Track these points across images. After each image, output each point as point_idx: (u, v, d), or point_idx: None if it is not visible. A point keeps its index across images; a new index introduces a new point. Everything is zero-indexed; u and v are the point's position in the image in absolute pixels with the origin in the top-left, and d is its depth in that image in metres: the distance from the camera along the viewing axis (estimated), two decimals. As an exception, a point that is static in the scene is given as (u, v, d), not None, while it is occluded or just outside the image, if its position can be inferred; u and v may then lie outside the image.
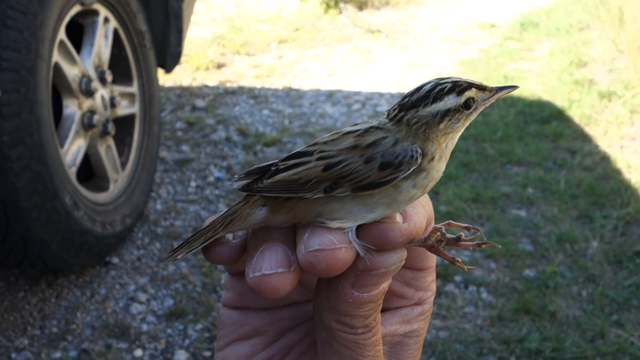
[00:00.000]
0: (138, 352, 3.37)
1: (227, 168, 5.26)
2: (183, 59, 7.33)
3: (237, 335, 0.94)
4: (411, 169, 0.79)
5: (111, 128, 3.96)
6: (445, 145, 0.84)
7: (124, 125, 4.29)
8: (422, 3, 10.57)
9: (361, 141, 0.81)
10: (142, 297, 3.77)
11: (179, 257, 0.87)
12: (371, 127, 0.83)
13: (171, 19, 4.64)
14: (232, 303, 0.95)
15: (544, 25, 8.95)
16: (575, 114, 6.07)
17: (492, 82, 7.05)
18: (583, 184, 4.85)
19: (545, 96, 6.54)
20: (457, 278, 3.90)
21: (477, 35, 8.93)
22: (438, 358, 3.32)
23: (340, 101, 6.74)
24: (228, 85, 7.17)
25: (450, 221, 0.88)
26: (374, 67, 7.80)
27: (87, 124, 3.74)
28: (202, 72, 7.48)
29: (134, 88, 4.34)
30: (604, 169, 5.09)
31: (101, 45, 3.95)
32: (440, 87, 0.82)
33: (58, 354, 3.32)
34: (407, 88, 6.65)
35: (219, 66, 7.72)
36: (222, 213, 0.87)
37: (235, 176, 0.88)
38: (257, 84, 7.24)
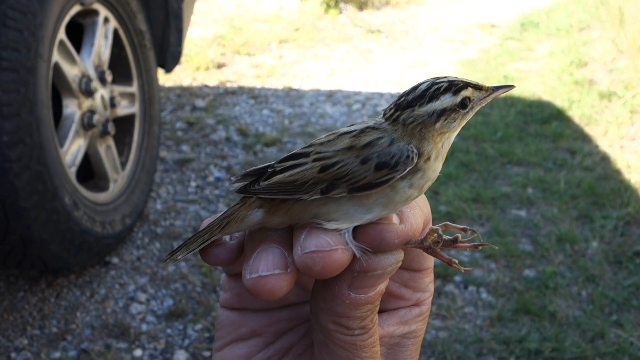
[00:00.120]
0: (137, 352, 3.37)
1: (227, 168, 5.26)
2: (183, 58, 7.33)
3: (234, 336, 0.94)
4: (407, 169, 0.79)
5: (111, 128, 3.96)
6: (442, 145, 0.84)
7: (123, 125, 4.29)
8: (423, 3, 10.57)
9: (357, 142, 0.81)
10: (142, 297, 3.77)
11: (178, 258, 0.87)
12: (367, 128, 0.83)
13: (171, 18, 4.64)
14: (229, 304, 0.95)
15: (544, 25, 8.94)
16: (576, 114, 6.07)
17: (492, 82, 7.04)
18: (583, 184, 4.85)
19: (546, 96, 6.54)
20: (457, 278, 3.90)
21: (477, 35, 8.93)
22: (438, 358, 3.32)
23: (341, 101, 6.74)
24: (228, 85, 7.17)
25: (447, 222, 0.88)
26: (374, 67, 7.79)
27: (87, 124, 3.74)
28: (202, 72, 7.48)
29: (133, 88, 4.34)
30: (604, 169, 5.09)
31: (101, 45, 3.95)
32: (436, 86, 0.82)
33: (57, 354, 3.32)
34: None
35: (219, 66, 7.72)
36: (219, 215, 0.87)
37: (232, 178, 0.88)
38: (257, 84, 7.24)
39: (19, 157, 3.07)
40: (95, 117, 3.78)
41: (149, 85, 4.50)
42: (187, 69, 7.50)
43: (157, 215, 4.55)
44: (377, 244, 0.78)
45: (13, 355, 3.32)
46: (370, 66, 7.82)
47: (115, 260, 4.05)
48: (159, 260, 4.08)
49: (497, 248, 1.01)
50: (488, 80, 7.05)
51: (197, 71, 7.49)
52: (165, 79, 6.99)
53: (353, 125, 0.85)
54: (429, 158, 0.82)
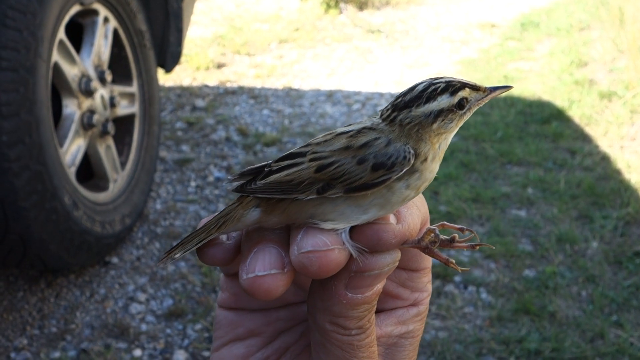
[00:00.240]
0: (137, 352, 3.37)
1: (227, 168, 5.26)
2: (183, 58, 7.33)
3: (232, 336, 0.94)
4: (404, 170, 0.79)
5: (111, 128, 3.96)
6: (439, 146, 0.83)
7: (123, 125, 4.29)
8: (423, 3, 10.57)
9: (354, 142, 0.81)
10: (142, 297, 3.77)
11: (175, 257, 0.87)
12: (364, 128, 0.83)
13: (171, 18, 4.63)
14: (227, 304, 0.95)
15: (545, 25, 8.94)
16: (576, 114, 6.07)
17: (492, 82, 7.05)
18: (583, 184, 4.85)
19: (546, 96, 6.54)
20: (457, 278, 3.90)
21: (477, 35, 8.93)
22: (437, 358, 3.32)
23: (341, 101, 6.74)
24: (228, 85, 7.17)
25: (445, 222, 0.88)
26: (374, 67, 7.79)
27: (86, 124, 3.74)
28: (202, 72, 7.48)
29: (133, 88, 4.34)
30: (604, 169, 5.09)
31: (101, 45, 3.95)
32: (433, 87, 0.82)
33: (57, 354, 3.32)
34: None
35: (219, 66, 7.72)
36: (216, 214, 0.87)
37: (229, 177, 0.88)
38: (257, 83, 7.24)
39: (19, 156, 3.07)
40: (95, 117, 3.78)
41: (148, 85, 4.50)
42: (187, 69, 7.50)
43: (157, 215, 4.55)
44: (374, 243, 0.78)
45: (13, 355, 3.32)
46: (370, 66, 7.82)
47: (115, 260, 4.05)
48: (157, 260, 4.08)
49: (494, 248, 1.00)
50: (488, 80, 7.05)
51: (197, 71, 7.49)
52: (165, 78, 6.99)
53: (350, 125, 0.84)
54: (425, 159, 0.82)
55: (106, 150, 3.99)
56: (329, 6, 9.70)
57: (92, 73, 3.81)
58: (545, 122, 5.97)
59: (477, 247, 0.86)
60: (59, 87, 3.62)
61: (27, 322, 3.52)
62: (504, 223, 4.43)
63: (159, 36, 4.70)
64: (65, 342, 3.41)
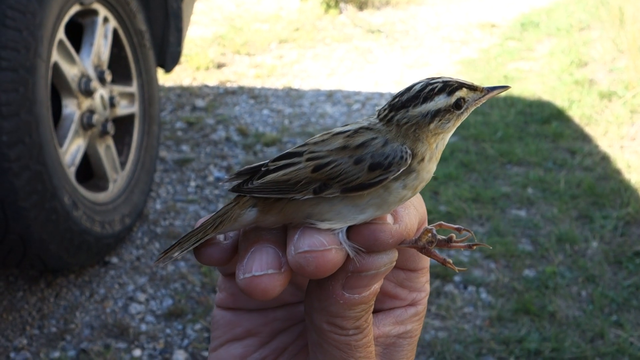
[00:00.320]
0: (137, 352, 3.36)
1: (227, 168, 5.26)
2: (183, 58, 7.34)
3: (230, 336, 0.94)
4: (401, 170, 0.79)
5: (110, 128, 3.96)
6: (436, 146, 0.83)
7: (123, 125, 4.29)
8: (423, 3, 10.57)
9: (351, 142, 0.81)
10: (141, 296, 3.77)
11: (172, 257, 0.87)
12: (361, 128, 0.83)
13: (171, 18, 4.63)
14: (225, 304, 0.95)
15: (545, 25, 8.94)
16: (576, 114, 6.06)
17: (492, 82, 7.05)
18: (583, 184, 4.84)
19: (546, 96, 6.53)
20: (457, 278, 3.90)
21: (477, 35, 8.93)
22: (437, 358, 3.31)
23: (341, 101, 6.74)
24: (228, 85, 7.17)
25: (442, 222, 0.88)
26: (374, 67, 7.79)
27: (86, 124, 3.74)
28: (202, 71, 7.48)
29: (133, 88, 4.34)
30: (604, 169, 5.09)
31: (100, 45, 3.95)
32: (430, 87, 0.82)
33: (57, 354, 3.32)
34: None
35: (219, 66, 7.72)
36: (213, 214, 0.87)
37: (226, 176, 0.88)
38: (257, 83, 7.24)
39: (18, 156, 3.07)
40: (95, 117, 3.78)
41: (148, 85, 4.50)
42: (187, 69, 7.50)
43: (157, 215, 4.55)
44: (371, 243, 0.78)
45: (12, 355, 3.32)
46: (370, 66, 7.81)
47: (114, 260, 4.05)
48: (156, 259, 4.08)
49: (491, 248, 1.01)
50: (488, 80, 7.05)
51: (197, 71, 7.49)
52: (165, 78, 6.99)
53: (347, 125, 0.84)
54: (422, 159, 0.82)
55: (106, 150, 3.99)
56: (329, 6, 9.70)
57: (91, 73, 3.81)
58: (545, 122, 5.97)
59: (475, 247, 0.86)
60: (59, 87, 3.62)
61: (26, 322, 3.52)
62: (504, 223, 4.43)
63: (159, 36, 4.70)
64: (65, 342, 3.41)
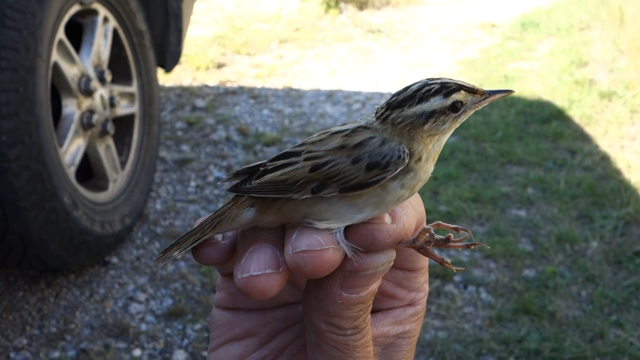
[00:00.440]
0: (137, 352, 3.36)
1: (227, 168, 5.26)
2: (183, 58, 7.34)
3: (229, 336, 0.94)
4: (398, 170, 0.79)
5: (110, 128, 3.96)
6: (432, 146, 0.83)
7: (123, 124, 4.29)
8: (423, 3, 10.57)
9: (348, 141, 0.81)
10: (141, 296, 3.77)
11: (171, 256, 0.87)
12: (359, 127, 0.83)
13: (171, 18, 4.63)
14: (224, 304, 0.95)
15: (545, 25, 8.94)
16: (576, 114, 6.06)
17: (492, 82, 7.03)
18: (583, 184, 4.84)
19: (546, 96, 6.53)
20: (457, 278, 3.90)
21: (477, 35, 8.92)
22: (437, 358, 3.31)
23: (341, 101, 6.74)
24: (228, 85, 7.17)
25: (440, 222, 0.88)
26: (374, 67, 7.79)
27: (86, 124, 3.74)
28: (202, 71, 7.48)
29: (133, 88, 4.34)
30: (604, 169, 5.08)
31: (100, 45, 3.95)
32: (427, 87, 0.82)
33: (57, 354, 3.32)
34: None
35: (219, 66, 7.72)
36: (211, 214, 0.87)
37: (224, 176, 0.88)
38: (257, 83, 7.24)
39: (18, 156, 3.07)
40: (95, 117, 3.78)
41: (148, 85, 4.50)
42: (187, 69, 7.50)
43: (157, 215, 4.55)
44: (369, 243, 0.78)
45: (12, 355, 3.32)
46: (370, 66, 7.81)
47: (114, 260, 4.05)
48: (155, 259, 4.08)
49: (489, 248, 1.01)
50: (488, 80, 7.04)
51: (197, 71, 7.49)
52: (165, 78, 6.99)
53: (345, 124, 0.84)
54: (420, 159, 0.82)
55: (106, 150, 3.99)
56: (329, 6, 9.70)
57: (91, 73, 3.81)
58: (546, 122, 5.97)
59: (472, 247, 0.86)
60: (59, 87, 3.62)
61: (26, 322, 3.52)
62: (504, 223, 4.43)
63: (159, 36, 4.70)
64: (65, 342, 3.41)
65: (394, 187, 0.80)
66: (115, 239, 3.93)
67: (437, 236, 0.83)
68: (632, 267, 3.93)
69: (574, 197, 4.72)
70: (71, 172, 3.57)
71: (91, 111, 3.78)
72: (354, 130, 0.82)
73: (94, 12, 3.87)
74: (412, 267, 0.90)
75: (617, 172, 5.03)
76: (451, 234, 0.86)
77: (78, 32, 3.88)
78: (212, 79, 7.29)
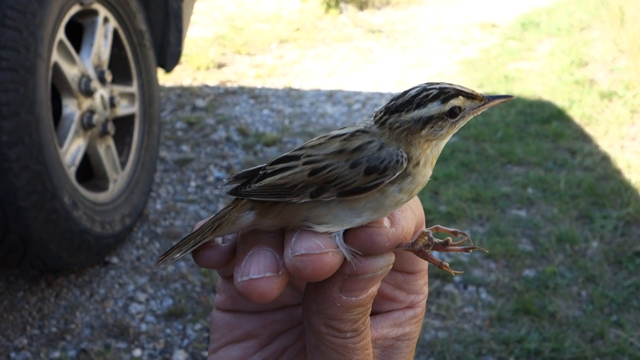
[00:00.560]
0: (137, 352, 3.37)
1: (227, 168, 5.26)
2: (184, 58, 7.34)
3: (229, 338, 0.94)
4: (396, 174, 0.79)
5: (111, 128, 3.97)
6: (430, 151, 0.83)
7: (123, 125, 4.29)
8: (423, 3, 10.57)
9: (347, 145, 0.81)
10: (141, 296, 3.77)
11: (173, 258, 0.87)
12: (357, 131, 0.83)
13: (171, 18, 4.64)
14: (224, 306, 0.95)
15: (545, 25, 8.93)
16: (576, 114, 6.06)
17: (492, 82, 7.02)
18: (583, 184, 4.84)
19: (546, 96, 6.53)
20: (457, 278, 3.90)
21: (477, 35, 8.92)
22: (437, 358, 3.32)
23: (341, 101, 6.74)
24: (228, 85, 7.17)
25: (439, 226, 0.88)
26: (374, 67, 7.79)
27: (86, 124, 3.74)
28: (202, 72, 7.48)
29: (133, 88, 4.34)
30: (604, 169, 5.08)
31: (101, 45, 3.95)
32: (425, 93, 0.82)
33: (57, 354, 3.33)
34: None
35: (220, 66, 7.72)
36: (211, 216, 0.87)
37: (224, 179, 0.88)
38: (257, 83, 7.24)
39: (18, 156, 3.07)
40: (95, 117, 3.78)
41: (148, 85, 4.50)
42: (188, 69, 7.50)
43: (157, 215, 4.55)
44: (368, 247, 0.78)
45: (13, 354, 3.32)
46: (370, 66, 7.81)
47: (114, 260, 4.05)
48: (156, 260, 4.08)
49: (487, 251, 1.00)
50: (488, 80, 7.05)
51: (197, 71, 7.49)
52: (165, 78, 6.99)
53: (344, 128, 0.85)
54: (418, 163, 0.82)
55: (106, 150, 3.99)
56: (329, 6, 9.70)
57: (92, 73, 3.81)
58: (546, 122, 5.97)
59: (471, 251, 0.86)
60: (59, 87, 3.62)
61: (27, 322, 3.53)
62: (504, 223, 4.43)
63: (159, 36, 4.70)
64: (65, 342, 3.42)
65: (392, 192, 0.80)
66: (115, 239, 3.93)
67: (436, 240, 0.84)
68: (632, 268, 3.93)
69: (574, 197, 4.72)
70: (71, 172, 3.57)
71: (91, 111, 3.78)
72: (353, 135, 0.82)
73: (94, 13, 3.87)
74: (411, 269, 0.90)
75: (618, 172, 5.03)
76: (450, 238, 0.86)
77: (78, 33, 3.88)
78: (212, 79, 7.29)
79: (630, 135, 5.60)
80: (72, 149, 3.67)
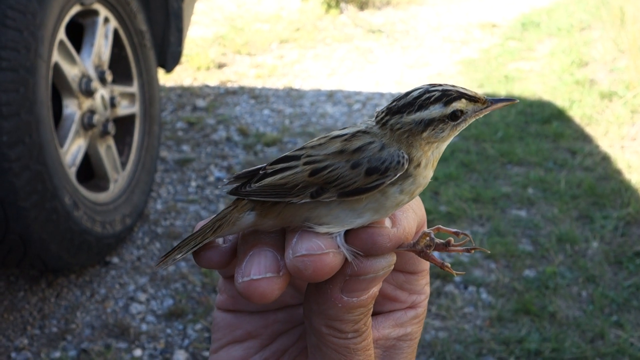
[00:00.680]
0: (137, 352, 3.37)
1: (227, 168, 5.26)
2: (184, 58, 7.34)
3: (230, 338, 0.94)
4: (397, 175, 0.79)
5: (111, 128, 3.97)
6: (431, 153, 0.83)
7: (124, 125, 4.29)
8: (423, 3, 10.57)
9: (348, 146, 0.81)
10: (142, 296, 3.77)
11: (173, 259, 0.87)
12: (358, 132, 0.82)
13: (171, 18, 4.64)
14: (225, 306, 0.95)
15: (545, 25, 8.93)
16: (576, 114, 6.06)
17: (492, 82, 7.01)
18: (583, 184, 4.84)
19: (546, 96, 6.53)
20: (457, 279, 3.90)
21: (478, 35, 8.92)
22: (437, 358, 3.32)
23: (341, 101, 6.74)
24: (229, 85, 7.17)
25: (440, 226, 0.88)
26: (374, 67, 7.79)
27: (87, 124, 3.74)
28: (203, 72, 7.48)
29: (134, 88, 4.34)
30: (604, 169, 5.08)
31: (101, 45, 3.95)
32: (427, 94, 0.81)
33: (57, 354, 3.33)
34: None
35: (220, 66, 7.72)
36: (212, 217, 0.87)
37: (225, 180, 0.88)
38: (257, 83, 7.24)
39: (19, 156, 3.07)
40: (96, 117, 3.78)
41: (149, 85, 4.50)
42: (188, 69, 7.50)
43: (158, 215, 4.55)
44: (369, 247, 0.78)
45: (13, 355, 3.32)
46: (371, 66, 7.81)
47: (115, 260, 4.05)
48: (157, 260, 4.08)
49: (489, 252, 1.00)
50: (489, 80, 7.04)
51: (197, 71, 7.49)
52: (165, 79, 6.99)
53: (345, 128, 0.84)
54: (419, 164, 0.82)
55: (106, 150, 4.00)
56: (329, 6, 9.70)
57: (92, 73, 3.81)
58: (546, 122, 5.97)
59: (473, 251, 0.86)
60: (60, 87, 3.62)
61: (27, 322, 3.53)
62: (504, 223, 4.43)
63: (160, 36, 4.70)
64: (66, 342, 3.42)
65: (393, 193, 0.80)
66: (115, 239, 3.93)
67: (438, 240, 0.83)
68: (632, 268, 3.93)
69: (574, 197, 4.72)
70: (72, 172, 3.57)
71: (92, 111, 3.78)
72: (354, 135, 0.82)
73: (95, 13, 3.87)
74: (413, 269, 0.90)
75: (618, 173, 5.03)
76: (451, 238, 0.86)
77: (79, 33, 3.88)
78: (212, 79, 7.29)
79: (630, 136, 5.60)
80: (73, 149, 3.67)
